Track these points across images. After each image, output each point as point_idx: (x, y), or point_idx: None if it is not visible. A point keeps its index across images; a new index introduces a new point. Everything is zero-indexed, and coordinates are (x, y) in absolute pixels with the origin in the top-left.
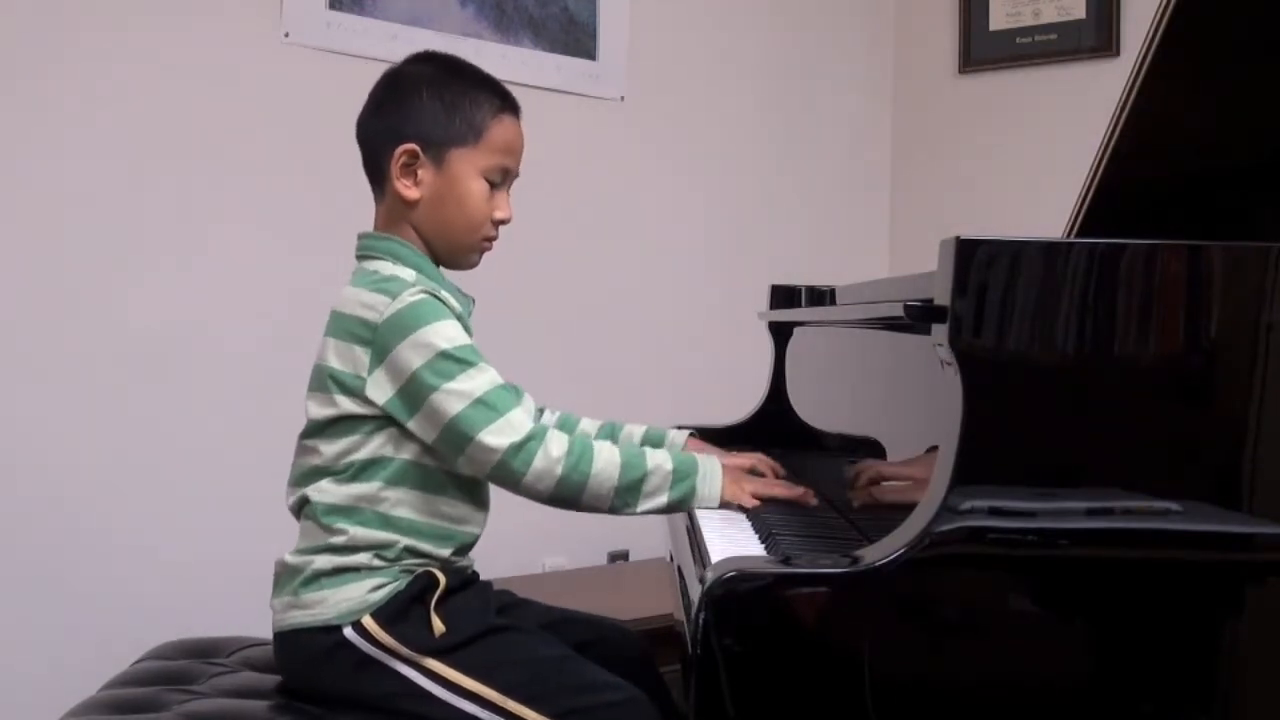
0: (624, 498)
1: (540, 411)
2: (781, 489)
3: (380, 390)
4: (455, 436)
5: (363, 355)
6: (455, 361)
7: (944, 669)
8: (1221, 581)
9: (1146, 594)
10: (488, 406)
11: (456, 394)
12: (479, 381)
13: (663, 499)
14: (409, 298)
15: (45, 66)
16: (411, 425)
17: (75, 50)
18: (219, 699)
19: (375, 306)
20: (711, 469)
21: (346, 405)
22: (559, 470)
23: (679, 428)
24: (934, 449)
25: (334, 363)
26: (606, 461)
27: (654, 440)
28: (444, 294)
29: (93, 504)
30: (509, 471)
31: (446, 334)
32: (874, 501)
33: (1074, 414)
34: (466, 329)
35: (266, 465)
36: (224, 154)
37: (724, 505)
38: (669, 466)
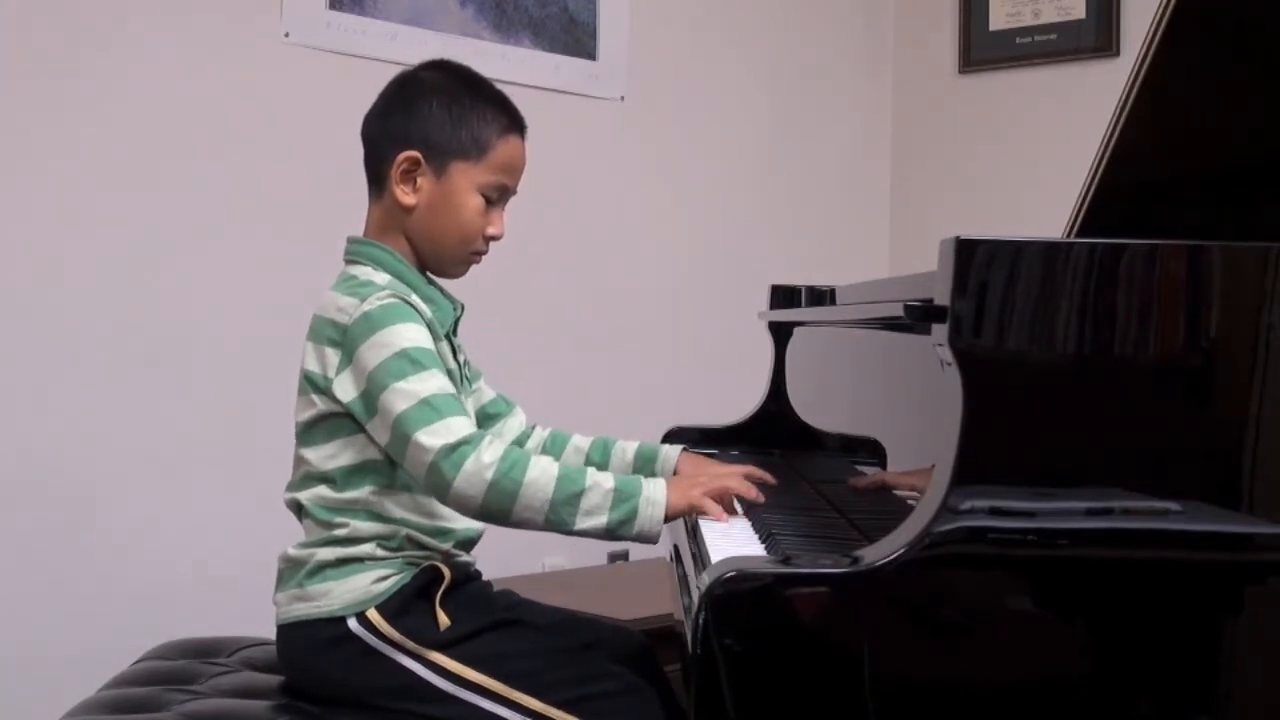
0: (559, 512)
1: (530, 429)
2: (734, 482)
3: (345, 390)
4: (398, 435)
5: (333, 356)
6: (410, 362)
7: (944, 669)
8: (1221, 581)
9: (1146, 594)
10: (430, 408)
11: (404, 393)
12: (428, 384)
13: (602, 519)
14: (377, 300)
15: (45, 66)
16: (370, 428)
17: (75, 50)
18: (219, 699)
19: (346, 309)
20: (655, 492)
21: (320, 404)
22: (489, 475)
23: (675, 431)
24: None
25: (310, 365)
26: (541, 472)
27: (647, 455)
28: (414, 299)
29: (93, 504)
30: (439, 475)
31: (407, 335)
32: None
33: (1074, 414)
34: (437, 335)
35: (268, 465)
36: (224, 154)
37: (671, 519)
38: (610, 485)
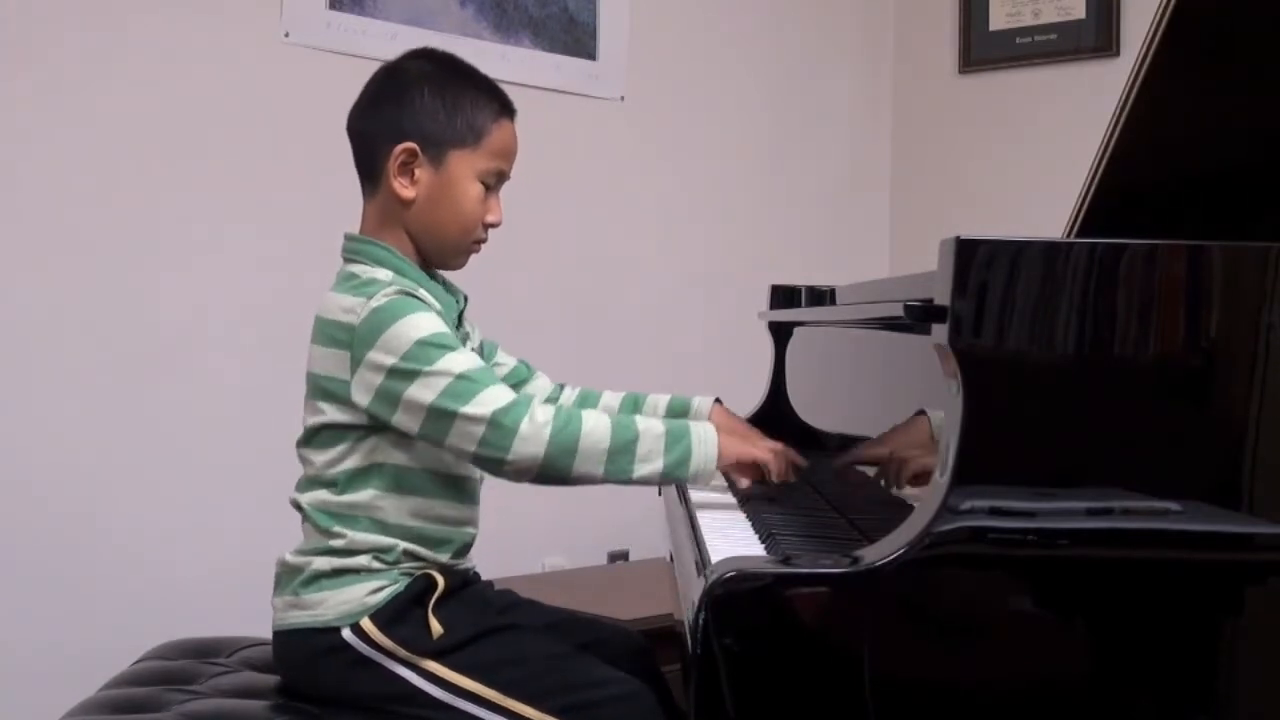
0: (617, 462)
1: (560, 388)
2: (772, 457)
3: (363, 391)
4: (440, 415)
5: (344, 358)
6: (433, 347)
7: (944, 669)
8: (1221, 581)
9: (1147, 594)
10: (468, 380)
11: (437, 373)
12: (458, 362)
13: (659, 464)
14: (383, 297)
15: (45, 66)
16: (395, 421)
17: (75, 50)
18: (219, 699)
19: (353, 309)
20: (706, 433)
21: (332, 413)
22: (547, 433)
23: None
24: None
25: (319, 369)
26: (596, 423)
27: (679, 407)
28: (421, 292)
29: (93, 504)
30: (496, 440)
31: (421, 324)
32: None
33: (1074, 414)
34: (448, 325)
35: (267, 465)
36: (224, 154)
37: (728, 468)
38: (660, 429)
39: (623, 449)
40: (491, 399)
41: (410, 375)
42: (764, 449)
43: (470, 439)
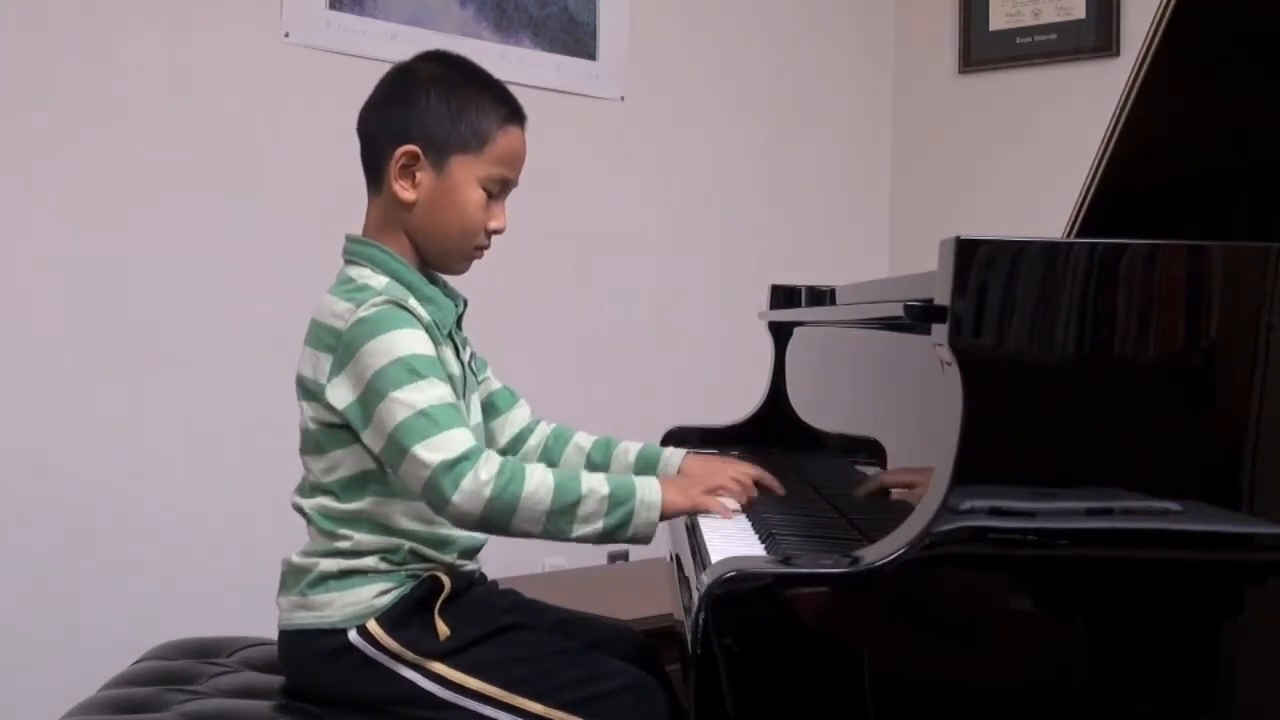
0: (557, 523)
1: (535, 423)
2: (725, 480)
3: (339, 396)
4: (395, 447)
5: (326, 362)
6: (408, 370)
7: (944, 669)
8: (1221, 581)
9: (1147, 594)
10: (429, 419)
11: (402, 403)
12: (427, 394)
13: (598, 525)
14: (372, 306)
15: (44, 68)
16: (365, 436)
17: (75, 51)
18: (219, 699)
19: (342, 315)
20: (650, 493)
21: (310, 411)
22: (487, 493)
23: (674, 431)
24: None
25: (303, 369)
26: (538, 484)
27: (649, 458)
28: (411, 303)
29: (93, 504)
30: (438, 490)
31: (405, 343)
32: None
33: (1074, 414)
34: (438, 339)
35: (271, 465)
36: (224, 154)
37: (668, 518)
38: (605, 491)
39: (563, 511)
40: (443, 445)
41: (380, 395)
42: (713, 490)
43: (415, 480)
